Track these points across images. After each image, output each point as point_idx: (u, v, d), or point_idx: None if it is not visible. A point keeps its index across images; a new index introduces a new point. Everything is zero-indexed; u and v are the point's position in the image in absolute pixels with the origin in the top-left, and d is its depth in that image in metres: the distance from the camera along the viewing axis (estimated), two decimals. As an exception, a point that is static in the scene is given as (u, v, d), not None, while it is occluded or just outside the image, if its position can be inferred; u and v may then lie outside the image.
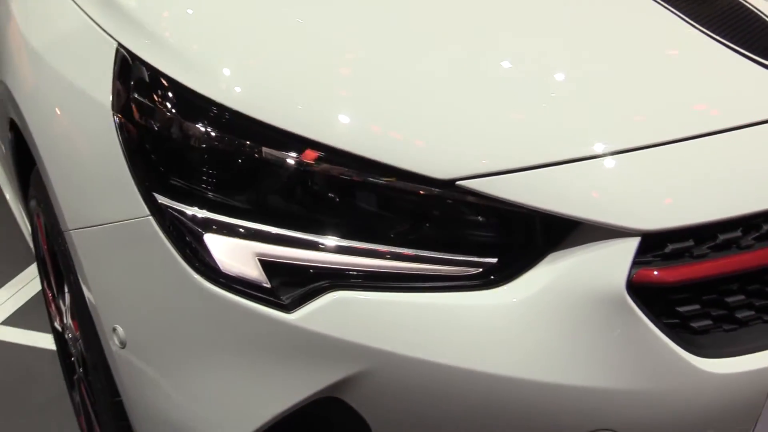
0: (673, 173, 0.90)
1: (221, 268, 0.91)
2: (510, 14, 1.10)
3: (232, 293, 0.91)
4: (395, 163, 0.87)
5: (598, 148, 0.89)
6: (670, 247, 0.90)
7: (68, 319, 1.43)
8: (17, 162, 1.60)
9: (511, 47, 1.03)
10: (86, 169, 1.04)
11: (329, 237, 0.90)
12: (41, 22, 1.26)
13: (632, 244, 0.87)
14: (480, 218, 0.89)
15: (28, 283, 2.36)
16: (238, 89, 0.94)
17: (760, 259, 0.93)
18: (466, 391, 0.88)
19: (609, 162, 0.89)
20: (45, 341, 2.10)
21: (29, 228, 1.80)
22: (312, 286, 0.89)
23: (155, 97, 0.98)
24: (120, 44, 1.03)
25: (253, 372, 0.93)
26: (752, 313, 0.96)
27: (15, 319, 2.20)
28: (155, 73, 0.98)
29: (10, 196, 2.13)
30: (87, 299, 1.12)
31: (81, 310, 1.20)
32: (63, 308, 1.52)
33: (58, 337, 1.75)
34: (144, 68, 0.99)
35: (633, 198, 0.88)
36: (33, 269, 2.41)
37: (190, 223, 0.93)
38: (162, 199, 0.95)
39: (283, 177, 0.91)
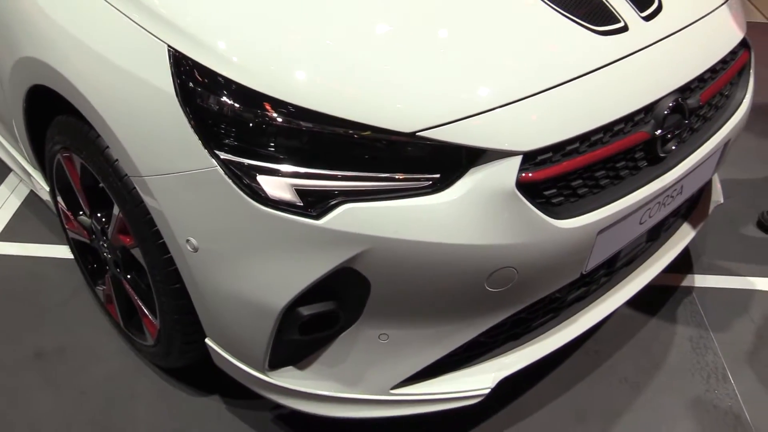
0: (537, 115, 1.51)
1: (269, 195, 1.45)
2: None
3: (277, 211, 1.46)
4: (374, 123, 1.42)
5: (493, 102, 1.47)
6: (538, 158, 1.52)
7: (110, 234, 1.90)
8: (29, 117, 2.00)
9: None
10: (156, 135, 1.52)
11: (338, 170, 1.45)
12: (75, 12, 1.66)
13: (517, 159, 1.48)
14: (428, 151, 1.47)
15: (4, 203, 2.71)
16: (263, 77, 1.44)
17: (587, 160, 1.57)
18: (427, 255, 1.48)
19: (501, 112, 1.47)
20: (41, 251, 2.52)
21: (34, 164, 2.20)
22: (330, 201, 1.45)
23: (204, 85, 1.46)
24: (169, 46, 1.49)
25: (292, 258, 1.49)
26: (586, 189, 1.62)
27: (6, 235, 2.58)
28: (200, 68, 1.46)
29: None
30: (157, 222, 1.62)
31: (141, 229, 1.70)
32: (95, 226, 1.98)
33: (78, 247, 2.20)
34: (191, 64, 1.46)
35: (515, 133, 1.48)
36: (2, 191, 2.76)
37: (245, 169, 1.45)
38: (223, 155, 1.46)
39: (301, 134, 1.44)
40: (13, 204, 2.71)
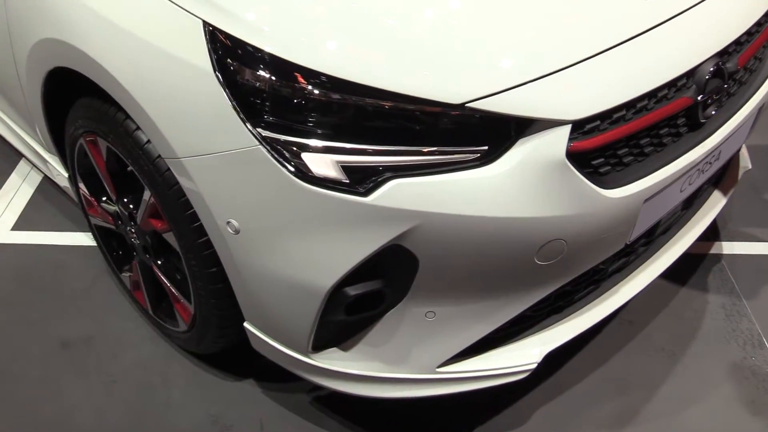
0: (585, 82, 1.47)
1: (314, 173, 1.41)
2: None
3: (323, 189, 1.41)
4: (422, 94, 1.38)
5: (542, 71, 1.43)
6: (586, 127, 1.48)
7: (139, 219, 1.85)
8: (46, 101, 1.95)
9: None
10: (193, 115, 1.47)
11: (384, 145, 1.41)
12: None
13: (566, 129, 1.44)
14: (476, 123, 1.42)
15: (15, 193, 2.65)
16: (306, 50, 1.39)
17: (633, 127, 1.54)
18: (476, 229, 1.44)
19: (549, 80, 1.43)
20: (59, 238, 2.47)
21: (51, 150, 2.14)
22: (377, 177, 1.41)
23: (243, 61, 1.41)
24: (204, 21, 1.43)
25: (338, 237, 1.45)
26: (632, 157, 1.58)
27: (22, 224, 2.53)
28: (238, 42, 1.41)
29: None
30: (194, 205, 1.58)
31: (175, 213, 1.66)
32: (122, 211, 1.93)
33: (102, 233, 2.15)
34: (229, 39, 1.41)
35: (564, 101, 1.44)
36: (12, 182, 2.70)
37: (289, 147, 1.41)
38: (265, 133, 1.41)
39: (346, 109, 1.39)
40: (27, 192, 2.65)
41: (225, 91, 1.42)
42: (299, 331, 1.61)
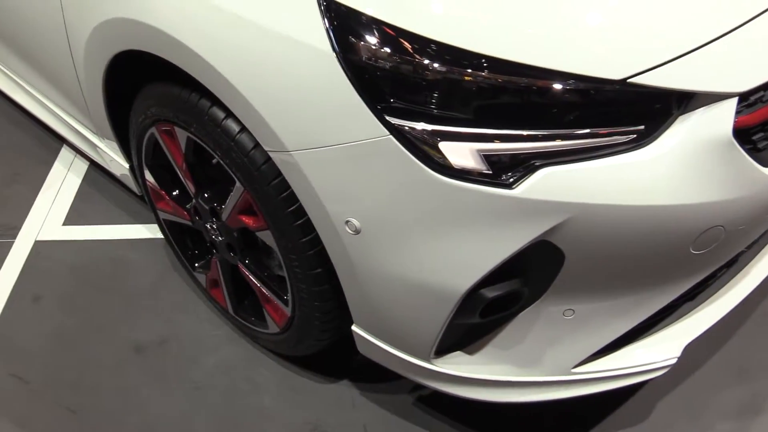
0: (750, 49, 1.30)
1: (453, 164, 1.24)
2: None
3: (463, 181, 1.25)
4: (577, 71, 1.21)
5: (706, 37, 1.26)
6: (751, 99, 1.31)
7: (226, 215, 1.68)
8: (107, 88, 1.77)
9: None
10: (308, 102, 1.29)
11: (530, 130, 1.24)
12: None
13: (733, 102, 1.27)
14: (632, 100, 1.25)
15: (62, 185, 2.48)
16: (441, 25, 1.21)
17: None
18: (631, 220, 1.28)
19: (715, 48, 1.26)
20: (114, 232, 2.32)
21: (108, 135, 1.96)
22: (523, 166, 1.24)
23: (370, 38, 1.23)
24: (320, -5, 1.25)
25: (479, 235, 1.28)
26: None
27: (73, 217, 2.36)
28: (365, 18, 1.23)
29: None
30: (304, 202, 1.41)
31: (275, 210, 1.49)
32: (201, 206, 1.76)
33: (173, 229, 1.99)
34: (353, 14, 1.23)
35: (731, 71, 1.27)
36: (57, 172, 2.52)
37: (424, 135, 1.24)
38: (395, 121, 1.24)
39: (488, 91, 1.22)
40: (74, 183, 2.46)
41: (347, 74, 1.24)
42: (422, 336, 1.46)
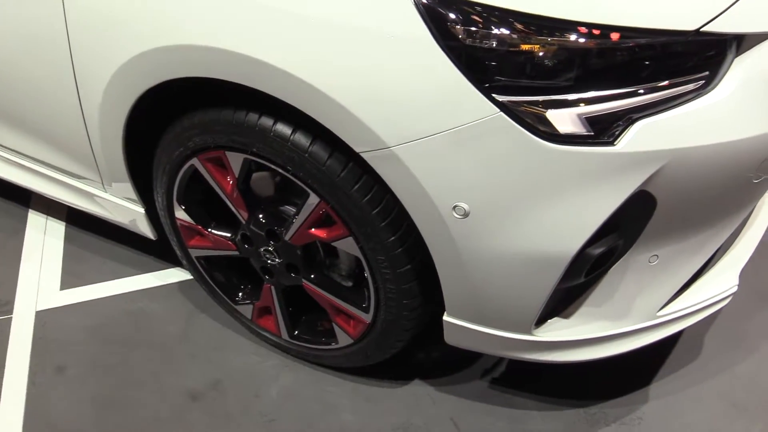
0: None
1: (560, 131, 1.31)
2: None
3: (571, 146, 1.32)
4: (655, 25, 1.31)
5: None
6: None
7: (290, 234, 1.64)
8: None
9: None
10: (407, 94, 1.31)
11: (620, 88, 1.33)
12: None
13: (777, 39, 1.43)
14: (698, 48, 1.37)
15: (43, 250, 2.32)
16: None
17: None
18: (712, 159, 1.39)
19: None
20: (121, 286, 2.20)
21: (122, 178, 1.86)
22: (620, 123, 1.33)
23: (469, 20, 1.27)
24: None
25: (585, 194, 1.35)
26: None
27: (69, 281, 2.21)
28: (460, 1, 1.27)
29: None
30: (402, 197, 1.42)
31: (361, 213, 1.49)
32: (255, 230, 1.71)
33: (209, 264, 1.92)
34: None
35: (770, 11, 1.43)
36: (32, 239, 2.36)
37: (532, 108, 1.29)
38: (502, 98, 1.29)
39: (582, 54, 1.30)
40: (55, 246, 2.30)
41: (450, 58, 1.28)
42: (524, 309, 1.51)
